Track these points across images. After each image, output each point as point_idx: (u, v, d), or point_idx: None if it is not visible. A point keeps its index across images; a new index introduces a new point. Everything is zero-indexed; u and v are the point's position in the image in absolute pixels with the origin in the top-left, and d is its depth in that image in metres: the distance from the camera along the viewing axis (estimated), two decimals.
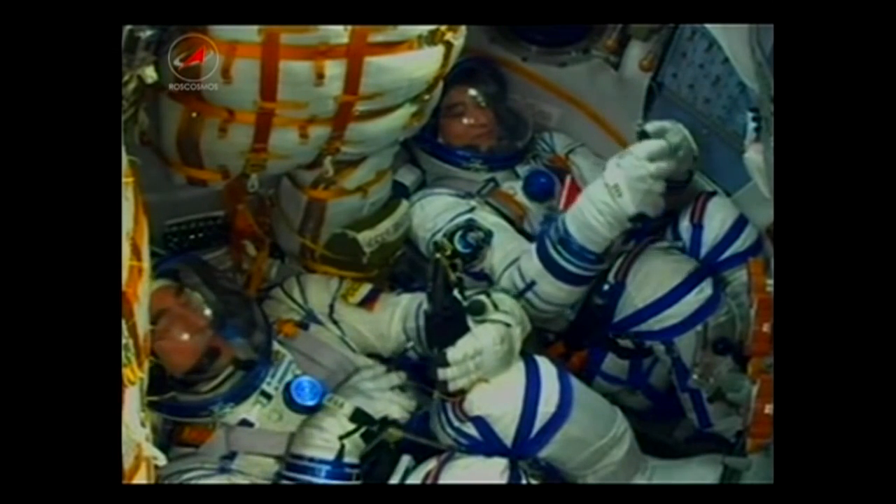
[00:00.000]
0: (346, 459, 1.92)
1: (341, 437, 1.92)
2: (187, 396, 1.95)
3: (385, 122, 2.07)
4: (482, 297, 2.03)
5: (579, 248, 2.12)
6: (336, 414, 1.96)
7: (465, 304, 1.98)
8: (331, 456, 1.91)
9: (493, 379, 1.94)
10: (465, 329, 1.93)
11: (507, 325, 1.97)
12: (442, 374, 1.91)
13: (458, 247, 2.32)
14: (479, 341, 1.91)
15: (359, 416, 1.96)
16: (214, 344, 1.93)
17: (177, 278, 1.96)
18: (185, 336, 1.89)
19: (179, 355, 1.90)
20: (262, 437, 1.97)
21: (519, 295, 2.23)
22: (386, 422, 2.01)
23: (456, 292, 1.98)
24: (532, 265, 2.21)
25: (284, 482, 1.93)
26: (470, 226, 2.36)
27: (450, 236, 2.35)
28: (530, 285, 2.22)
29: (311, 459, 1.91)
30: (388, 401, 2.05)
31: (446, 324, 1.95)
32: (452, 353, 1.90)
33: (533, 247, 2.24)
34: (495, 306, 2.03)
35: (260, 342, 2.02)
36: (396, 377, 2.15)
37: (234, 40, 1.73)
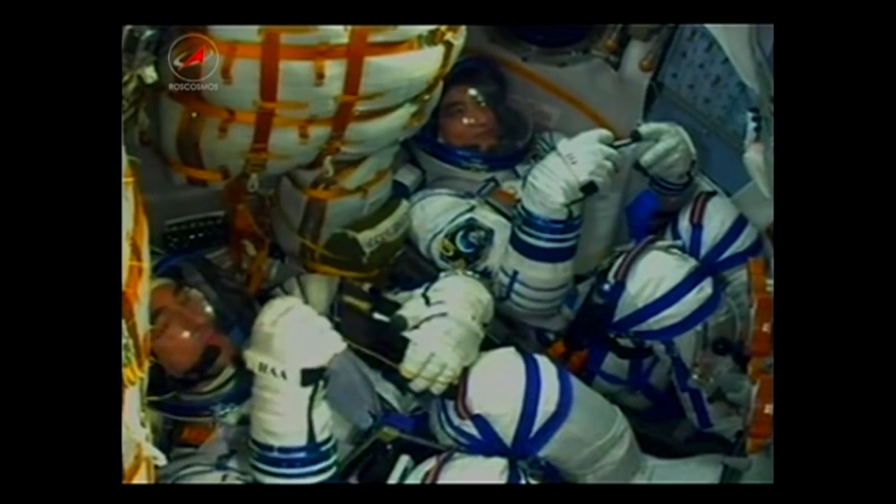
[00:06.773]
0: (319, 437, 1.83)
1: (309, 411, 1.81)
2: (189, 396, 1.95)
3: (385, 122, 2.07)
4: (402, 313, 1.99)
5: (542, 220, 2.15)
6: (285, 390, 1.79)
7: (387, 321, 1.98)
8: (302, 441, 1.82)
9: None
10: (405, 340, 1.93)
11: (443, 314, 1.97)
12: (415, 387, 1.94)
13: (461, 247, 2.36)
14: (425, 347, 1.92)
15: (308, 377, 1.79)
16: (214, 342, 1.92)
17: (180, 276, 1.95)
18: (184, 334, 1.88)
19: (178, 354, 1.89)
20: None
21: (508, 291, 2.27)
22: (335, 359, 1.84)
23: (376, 316, 2.01)
24: (510, 257, 2.25)
25: (260, 471, 1.85)
26: (471, 225, 2.38)
27: (451, 237, 2.38)
28: (514, 276, 2.25)
29: (282, 449, 1.82)
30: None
31: (383, 347, 1.96)
32: (407, 369, 1.92)
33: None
34: (427, 301, 2.03)
35: None
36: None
37: (234, 40, 1.73)
